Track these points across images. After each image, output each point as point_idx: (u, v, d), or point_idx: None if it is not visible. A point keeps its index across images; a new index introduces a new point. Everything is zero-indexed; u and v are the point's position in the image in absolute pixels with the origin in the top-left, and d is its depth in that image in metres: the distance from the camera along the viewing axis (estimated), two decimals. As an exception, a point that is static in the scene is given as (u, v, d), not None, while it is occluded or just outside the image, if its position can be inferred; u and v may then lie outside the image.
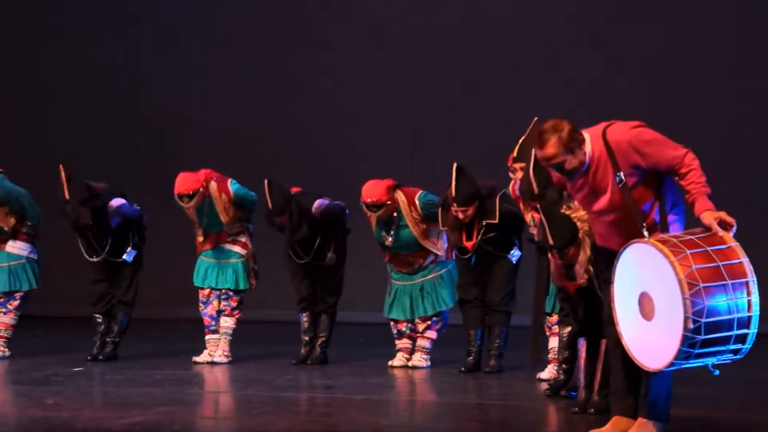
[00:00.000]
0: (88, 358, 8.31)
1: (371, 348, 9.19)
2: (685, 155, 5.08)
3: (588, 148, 5.14)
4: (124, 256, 8.32)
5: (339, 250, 8.24)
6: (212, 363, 8.19)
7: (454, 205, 7.58)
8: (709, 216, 4.95)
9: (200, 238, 8.34)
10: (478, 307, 7.79)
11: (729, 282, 4.81)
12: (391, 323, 8.14)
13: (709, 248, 4.85)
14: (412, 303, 8.00)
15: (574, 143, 5.11)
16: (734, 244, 4.88)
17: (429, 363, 8.03)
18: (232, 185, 8.27)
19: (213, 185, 8.22)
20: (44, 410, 6.08)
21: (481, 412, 6.30)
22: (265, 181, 8.12)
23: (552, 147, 5.11)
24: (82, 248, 8.36)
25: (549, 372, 7.25)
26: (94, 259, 8.34)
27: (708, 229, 4.94)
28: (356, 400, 6.60)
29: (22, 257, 8.53)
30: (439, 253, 8.01)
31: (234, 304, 8.30)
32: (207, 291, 8.30)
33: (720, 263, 4.83)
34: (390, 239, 7.98)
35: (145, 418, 5.84)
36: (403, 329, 8.10)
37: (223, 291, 8.27)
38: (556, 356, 7.10)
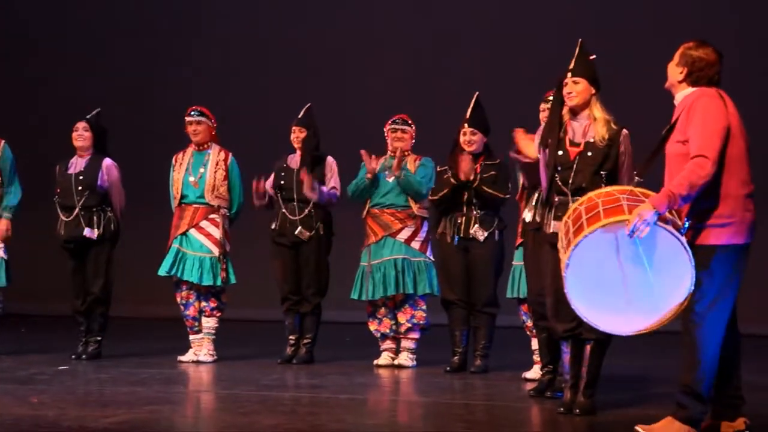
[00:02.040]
0: (73, 356, 8.29)
1: (357, 348, 9.18)
2: (699, 157, 5.04)
3: (685, 89, 5.25)
4: (86, 231, 8.25)
5: (323, 239, 8.24)
6: (197, 362, 8.19)
7: (464, 126, 7.70)
8: (644, 208, 4.97)
9: (176, 213, 8.28)
10: (463, 307, 7.81)
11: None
12: (373, 328, 8.14)
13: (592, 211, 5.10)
14: (395, 279, 7.95)
15: (683, 60, 5.25)
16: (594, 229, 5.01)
17: (415, 362, 8.05)
18: (233, 158, 8.33)
19: (216, 146, 8.32)
20: (29, 408, 6.05)
21: (466, 412, 6.31)
22: (308, 105, 8.33)
23: (681, 49, 5.29)
24: (59, 200, 8.31)
25: (535, 372, 7.27)
26: (66, 218, 8.26)
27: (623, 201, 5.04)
28: (342, 399, 6.60)
29: None
30: (416, 212, 8.02)
31: (213, 305, 8.28)
32: (185, 293, 8.27)
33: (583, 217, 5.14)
34: (393, 176, 8.01)
35: (131, 417, 5.83)
36: (387, 331, 8.10)
37: (203, 291, 8.25)
38: (540, 358, 7.15)
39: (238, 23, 12.40)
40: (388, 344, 8.14)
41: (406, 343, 8.10)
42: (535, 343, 7.31)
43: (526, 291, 7.16)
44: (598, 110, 5.98)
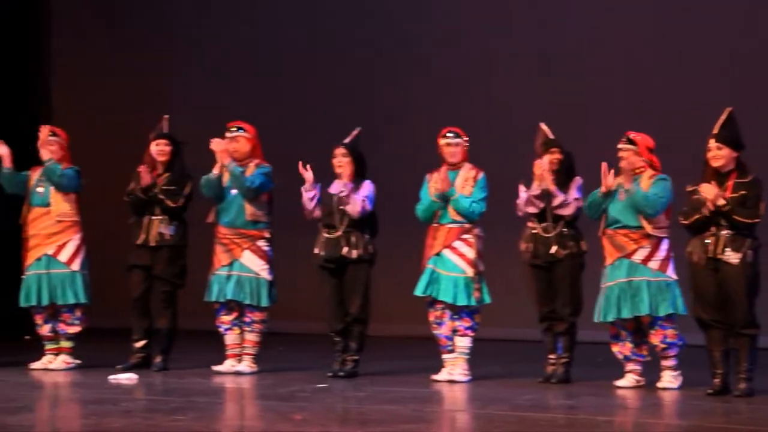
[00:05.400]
0: (329, 374, 8.45)
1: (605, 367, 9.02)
2: None
3: None
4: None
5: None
6: (452, 381, 8.16)
7: (710, 141, 7.52)
8: None
9: (429, 233, 8.36)
10: (719, 327, 7.53)
11: None
12: (616, 350, 7.99)
13: None
14: (630, 300, 7.80)
15: None
16: None
17: (680, 382, 7.86)
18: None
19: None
20: (293, 425, 6.20)
21: None
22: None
23: None
24: (324, 219, 8.47)
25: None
26: (328, 236, 8.44)
27: None
28: (599, 420, 6.48)
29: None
30: (650, 232, 7.77)
31: (467, 324, 8.27)
32: (439, 313, 8.29)
33: None
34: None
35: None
36: (629, 354, 7.95)
37: (456, 311, 8.26)
38: None
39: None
40: (631, 366, 7.97)
41: (666, 363, 7.88)
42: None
43: None
44: None
